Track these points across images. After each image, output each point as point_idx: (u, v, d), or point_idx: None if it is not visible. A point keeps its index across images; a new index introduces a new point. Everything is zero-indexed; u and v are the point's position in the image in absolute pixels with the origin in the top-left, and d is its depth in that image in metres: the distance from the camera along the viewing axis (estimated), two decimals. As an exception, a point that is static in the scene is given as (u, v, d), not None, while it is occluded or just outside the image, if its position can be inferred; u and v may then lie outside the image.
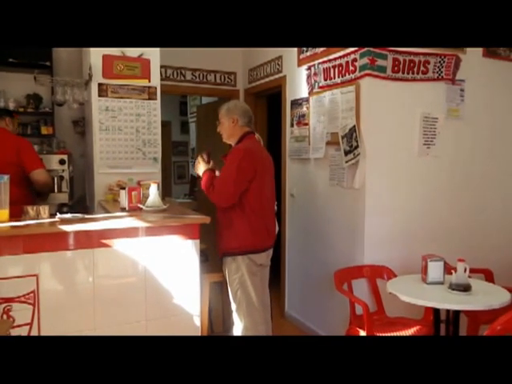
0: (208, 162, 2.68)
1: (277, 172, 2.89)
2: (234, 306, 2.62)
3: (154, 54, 3.58)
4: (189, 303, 2.52)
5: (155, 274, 2.43)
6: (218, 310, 3.12)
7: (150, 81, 3.59)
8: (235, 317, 2.62)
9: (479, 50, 3.23)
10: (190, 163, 7.25)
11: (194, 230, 2.52)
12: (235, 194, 2.49)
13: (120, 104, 3.50)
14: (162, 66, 3.77)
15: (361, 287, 2.92)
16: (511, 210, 3.44)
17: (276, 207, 2.87)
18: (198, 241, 2.53)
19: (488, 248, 3.30)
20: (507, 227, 3.43)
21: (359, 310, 2.64)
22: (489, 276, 3.00)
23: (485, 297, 2.24)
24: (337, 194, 3.19)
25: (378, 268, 2.87)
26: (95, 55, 3.42)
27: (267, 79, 4.11)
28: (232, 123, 2.67)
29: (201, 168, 2.67)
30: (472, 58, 3.17)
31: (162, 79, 3.75)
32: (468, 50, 3.15)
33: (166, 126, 6.86)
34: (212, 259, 3.01)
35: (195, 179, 5.68)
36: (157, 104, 3.63)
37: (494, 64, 3.28)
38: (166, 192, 5.57)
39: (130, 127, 3.55)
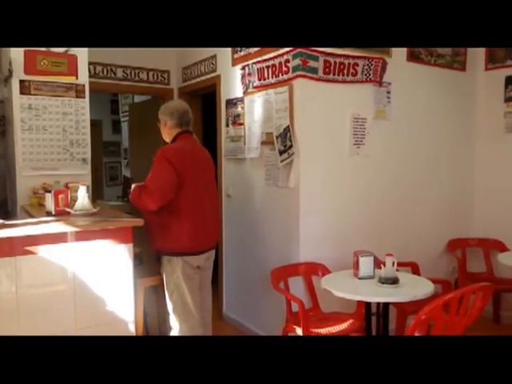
0: None
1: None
2: (170, 308, 2.56)
3: (81, 50, 3.40)
4: (122, 309, 2.43)
5: (85, 281, 2.32)
6: (153, 315, 3.04)
7: (77, 78, 3.41)
8: (172, 319, 2.56)
9: (404, 54, 3.40)
10: (123, 164, 7.01)
11: (127, 233, 2.43)
12: (165, 193, 2.40)
13: (45, 102, 3.30)
14: (90, 63, 3.60)
15: (297, 285, 2.97)
16: (433, 205, 3.66)
17: None
18: (131, 245, 2.45)
19: (414, 242, 3.49)
20: (430, 222, 3.65)
21: (295, 307, 2.68)
22: (415, 268, 3.17)
23: (411, 289, 2.36)
24: (272, 194, 3.22)
25: (313, 265, 2.94)
26: (16, 49, 3.19)
27: (201, 78, 4.06)
28: (163, 125, 2.67)
29: (132, 187, 2.60)
30: (397, 61, 3.33)
31: (90, 76, 3.58)
32: (393, 53, 3.30)
33: (96, 125, 6.57)
34: (146, 262, 2.93)
35: (128, 180, 5.50)
36: (85, 102, 3.45)
37: (416, 68, 3.47)
38: (97, 195, 5.33)
39: (56, 126, 3.35)
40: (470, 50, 3.78)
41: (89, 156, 3.51)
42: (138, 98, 5.72)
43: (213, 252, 2.73)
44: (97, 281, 2.35)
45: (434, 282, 2.52)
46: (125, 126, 6.63)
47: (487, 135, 3.83)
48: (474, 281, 2.77)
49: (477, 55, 3.83)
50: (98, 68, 4.10)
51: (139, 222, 2.44)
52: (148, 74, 4.34)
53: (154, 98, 4.67)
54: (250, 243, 3.50)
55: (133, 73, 4.27)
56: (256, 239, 3.42)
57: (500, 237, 3.68)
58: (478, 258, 3.82)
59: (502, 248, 3.60)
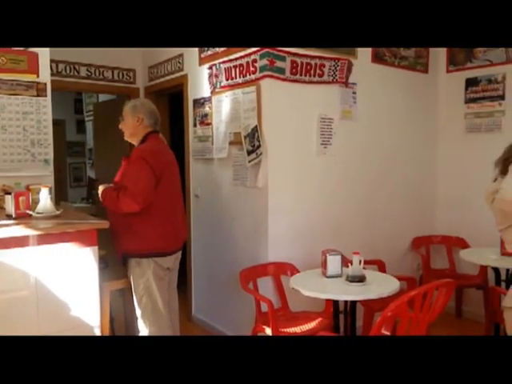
0: None
1: (181, 172, 2.84)
2: (138, 312, 2.51)
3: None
4: (87, 314, 2.36)
5: (49, 286, 2.24)
6: (120, 319, 2.97)
7: (38, 76, 3.29)
8: (140, 324, 2.52)
9: (369, 56, 3.46)
10: (88, 164, 6.84)
11: (92, 235, 2.36)
12: (149, 193, 2.37)
13: (3, 101, 3.17)
14: (52, 61, 3.48)
15: (266, 285, 2.97)
16: (398, 204, 3.74)
17: None
18: (96, 247, 2.38)
19: (380, 240, 3.56)
20: (395, 220, 3.73)
21: (265, 307, 2.68)
22: (381, 266, 3.23)
23: (377, 286, 2.40)
24: (241, 194, 3.21)
25: (282, 265, 2.95)
26: (-29, 46, 3.06)
27: (168, 77, 4.01)
28: (136, 122, 2.57)
29: (99, 188, 2.54)
30: (362, 62, 3.39)
31: (52, 75, 3.46)
32: (359, 55, 3.36)
33: (59, 124, 6.40)
34: (113, 265, 2.86)
35: (93, 181, 5.37)
36: (47, 101, 3.33)
37: (381, 69, 3.54)
38: (60, 196, 5.19)
39: (15, 126, 3.22)
40: (431, 52, 3.88)
41: (51, 157, 3.39)
42: (102, 97, 5.59)
43: (180, 253, 2.70)
44: (60, 285, 2.27)
45: (400, 279, 2.57)
46: (89, 126, 6.47)
47: (449, 135, 3.95)
48: (437, 277, 2.85)
49: (438, 58, 3.94)
50: (61, 66, 3.98)
51: (104, 223, 2.38)
52: (113, 72, 4.25)
53: (120, 97, 4.58)
54: (218, 244, 3.48)
55: (97, 71, 4.17)
56: (224, 240, 3.40)
57: (462, 234, 3.81)
58: (442, 255, 3.94)
59: (464, 245, 3.72)
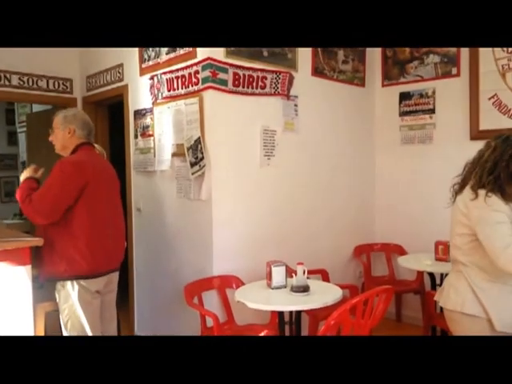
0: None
1: (121, 186, 2.75)
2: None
3: (-33, 54, 3.10)
4: (19, 338, 2.21)
5: (-26, 310, 2.08)
6: (56, 341, 2.80)
7: (-37, 84, 3.09)
8: None
9: (309, 69, 3.55)
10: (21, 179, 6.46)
11: (24, 254, 2.22)
12: (56, 210, 2.21)
13: None
14: (-21, 68, 3.29)
15: (211, 299, 2.93)
16: (340, 213, 3.84)
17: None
18: (29, 266, 2.23)
19: (323, 249, 3.63)
20: (337, 230, 3.82)
21: (210, 321, 2.64)
22: (325, 275, 3.30)
23: (321, 295, 2.44)
24: (184, 207, 3.16)
25: (227, 278, 2.92)
26: None
27: (107, 88, 3.89)
28: (68, 134, 2.41)
29: (23, 174, 2.37)
30: (303, 76, 3.47)
31: (-20, 83, 3.26)
32: (299, 68, 3.44)
33: (-11, 136, 6.02)
34: (48, 285, 2.70)
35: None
36: (-26, 111, 3.14)
37: (320, 82, 3.65)
38: (-10, 212, 4.87)
39: None
40: (368, 67, 4.05)
41: (-21, 170, 3.18)
42: (37, 108, 5.32)
43: (115, 274, 2.52)
44: (-12, 309, 2.11)
45: (343, 287, 2.63)
46: (22, 138, 6.12)
47: (386, 147, 4.13)
48: (378, 284, 2.94)
49: (374, 72, 4.13)
50: (-10, 74, 3.75)
51: (38, 241, 2.24)
52: (48, 81, 4.06)
53: (56, 107, 4.38)
54: (162, 259, 3.39)
55: (30, 80, 3.96)
56: (169, 254, 3.32)
57: (400, 241, 3.97)
58: (382, 262, 4.08)
59: (402, 252, 3.88)
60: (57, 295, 2.34)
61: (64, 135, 2.42)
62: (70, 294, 2.28)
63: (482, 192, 1.78)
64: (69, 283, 2.27)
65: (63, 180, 2.23)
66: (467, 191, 1.85)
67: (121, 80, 3.74)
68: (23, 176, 2.39)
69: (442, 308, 2.10)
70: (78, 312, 2.28)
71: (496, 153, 1.81)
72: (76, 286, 2.27)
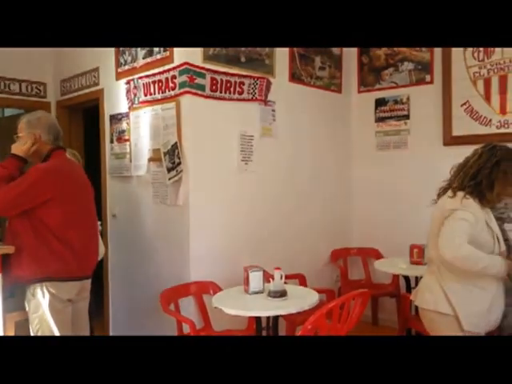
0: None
1: (97, 191, 2.70)
2: None
3: None
4: (-11, 349, 2.14)
5: None
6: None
7: None
8: None
9: (286, 75, 3.57)
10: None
11: (-7, 262, 2.15)
12: (12, 208, 2.15)
13: None
14: None
15: (188, 305, 2.90)
16: (317, 218, 3.86)
17: (100, 227, 2.62)
18: (-1, 275, 2.17)
19: (301, 254, 3.64)
20: (315, 234, 3.84)
21: (187, 328, 2.61)
22: (302, 280, 3.31)
23: (298, 300, 2.44)
24: (161, 212, 3.13)
25: (204, 284, 2.90)
26: None
27: (83, 92, 3.83)
28: (34, 141, 2.30)
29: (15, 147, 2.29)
30: (280, 81, 3.49)
31: None
32: (277, 74, 3.46)
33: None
34: (20, 294, 2.62)
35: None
36: None
37: (298, 88, 3.68)
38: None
39: None
40: (344, 73, 4.11)
41: None
42: (9, 112, 5.20)
43: (88, 282, 2.45)
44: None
45: (319, 291, 2.64)
46: (-6, 142, 5.97)
47: (362, 153, 4.18)
48: (355, 288, 2.96)
49: (350, 79, 4.18)
50: (-42, 77, 3.65)
51: (9, 248, 2.18)
52: (21, 85, 3.98)
53: (28, 111, 4.29)
54: (138, 265, 3.34)
55: (2, 83, 3.87)
56: (145, 261, 3.28)
57: (376, 245, 4.01)
58: (358, 266, 4.12)
59: (378, 256, 3.93)
60: (26, 305, 2.26)
61: (41, 140, 2.31)
62: (40, 303, 2.21)
63: (460, 194, 1.89)
64: (39, 291, 2.20)
65: (31, 184, 2.16)
66: (448, 192, 1.95)
67: (96, 84, 3.69)
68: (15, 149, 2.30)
69: (417, 310, 2.15)
70: (48, 321, 2.21)
71: (481, 160, 1.91)
72: (47, 294, 2.20)
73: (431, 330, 2.02)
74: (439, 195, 2.04)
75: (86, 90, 3.80)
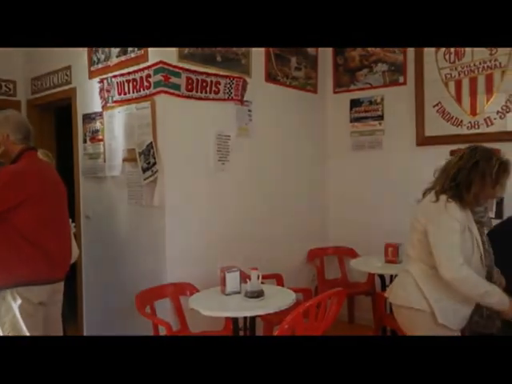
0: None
1: (70, 192, 2.63)
2: None
3: None
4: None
5: None
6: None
7: None
8: None
9: (262, 75, 3.58)
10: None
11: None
12: None
13: None
14: None
15: (164, 307, 2.87)
16: (294, 218, 3.88)
17: (74, 228, 2.55)
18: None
19: (278, 254, 3.64)
20: (292, 234, 3.86)
21: (163, 330, 2.58)
22: (279, 280, 3.31)
23: (275, 300, 2.44)
24: (136, 213, 3.09)
25: (181, 285, 2.88)
26: None
27: (54, 90, 3.74)
28: (1, 139, 2.22)
29: None
30: (256, 81, 3.49)
31: None
32: (253, 74, 3.46)
33: None
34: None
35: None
36: None
37: (274, 88, 3.68)
38: None
39: None
40: (320, 73, 4.14)
41: None
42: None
43: (60, 284, 2.38)
44: None
45: (296, 291, 2.65)
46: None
47: (337, 152, 4.22)
48: (331, 287, 2.98)
49: (326, 79, 4.21)
50: None
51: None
52: (-12, 83, 3.86)
53: (-2, 110, 4.17)
54: (113, 267, 3.28)
55: (-31, 81, 3.76)
56: (120, 263, 3.22)
57: (352, 245, 4.05)
58: (335, 265, 4.15)
59: (354, 255, 3.96)
60: None
61: (9, 139, 2.23)
62: (11, 307, 2.14)
63: (443, 197, 1.90)
64: (9, 295, 2.14)
65: (0, 188, 2.09)
66: (431, 194, 1.97)
67: (68, 83, 3.62)
68: None
69: (391, 308, 2.17)
70: (19, 325, 2.14)
71: (461, 161, 1.93)
72: (18, 298, 2.14)
73: (405, 326, 2.04)
74: (424, 195, 2.05)
75: (58, 89, 3.71)
